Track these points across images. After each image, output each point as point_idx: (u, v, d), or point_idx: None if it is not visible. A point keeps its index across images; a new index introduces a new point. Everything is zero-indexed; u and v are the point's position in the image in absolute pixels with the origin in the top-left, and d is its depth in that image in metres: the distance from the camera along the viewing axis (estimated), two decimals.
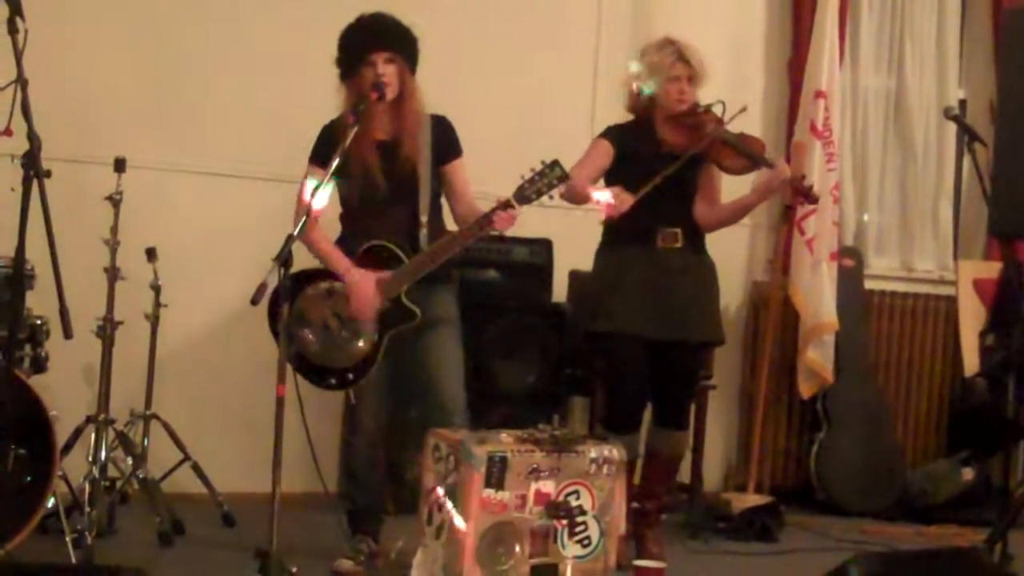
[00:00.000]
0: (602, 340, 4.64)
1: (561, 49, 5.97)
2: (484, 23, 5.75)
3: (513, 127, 5.63)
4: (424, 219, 4.21)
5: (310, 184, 4.04)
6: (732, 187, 4.78)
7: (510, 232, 4.24)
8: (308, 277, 4.19)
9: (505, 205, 3.98)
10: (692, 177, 4.58)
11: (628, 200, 4.27)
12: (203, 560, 4.33)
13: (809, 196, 4.73)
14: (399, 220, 4.20)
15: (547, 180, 3.98)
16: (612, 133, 4.66)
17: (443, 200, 4.34)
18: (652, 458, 4.70)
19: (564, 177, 3.99)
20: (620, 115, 4.78)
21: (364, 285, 4.12)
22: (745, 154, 4.57)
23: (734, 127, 4.60)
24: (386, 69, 4.12)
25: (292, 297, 3.94)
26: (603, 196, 4.25)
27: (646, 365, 4.55)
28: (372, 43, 4.13)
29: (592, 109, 5.90)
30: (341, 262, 4.17)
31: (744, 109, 4.57)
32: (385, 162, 4.17)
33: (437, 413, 4.16)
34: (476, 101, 5.27)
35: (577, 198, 4.40)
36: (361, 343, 4.15)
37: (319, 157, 4.17)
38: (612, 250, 4.64)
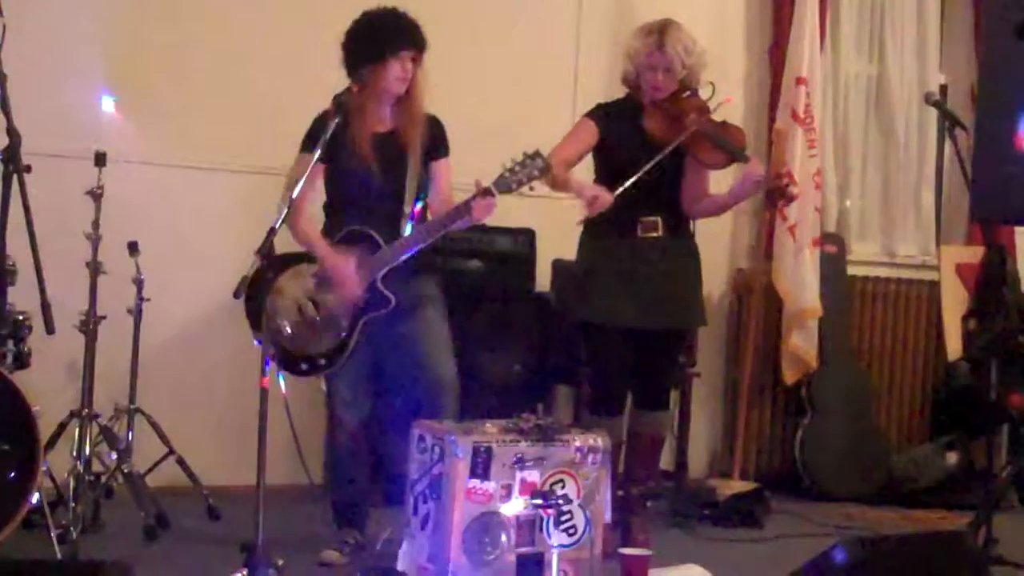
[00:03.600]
0: (584, 328, 4.65)
1: (542, 32, 5.95)
2: (464, 5, 5.72)
3: (493, 111, 5.60)
4: (407, 209, 4.22)
5: (299, 173, 4.08)
6: (716, 177, 4.77)
7: (493, 222, 4.25)
8: (280, 263, 4.16)
9: (485, 192, 4.01)
10: (674, 166, 4.55)
11: (607, 200, 4.30)
12: (189, 554, 4.32)
13: (785, 194, 4.72)
14: (385, 209, 4.21)
15: (528, 171, 4.03)
16: (598, 113, 4.63)
17: None
18: (635, 440, 4.71)
19: (545, 169, 4.04)
20: (602, 97, 4.76)
21: (345, 267, 4.13)
22: (723, 149, 4.53)
23: (717, 114, 4.58)
24: (409, 65, 4.19)
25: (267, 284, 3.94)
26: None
27: (627, 352, 4.56)
28: (405, 40, 4.18)
29: (573, 93, 5.89)
30: (323, 249, 4.19)
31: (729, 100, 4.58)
32: (380, 153, 4.20)
33: (430, 388, 4.20)
34: (456, 85, 5.23)
35: (557, 185, 4.41)
36: (334, 330, 4.15)
37: (311, 146, 4.18)
38: (593, 239, 4.64)
